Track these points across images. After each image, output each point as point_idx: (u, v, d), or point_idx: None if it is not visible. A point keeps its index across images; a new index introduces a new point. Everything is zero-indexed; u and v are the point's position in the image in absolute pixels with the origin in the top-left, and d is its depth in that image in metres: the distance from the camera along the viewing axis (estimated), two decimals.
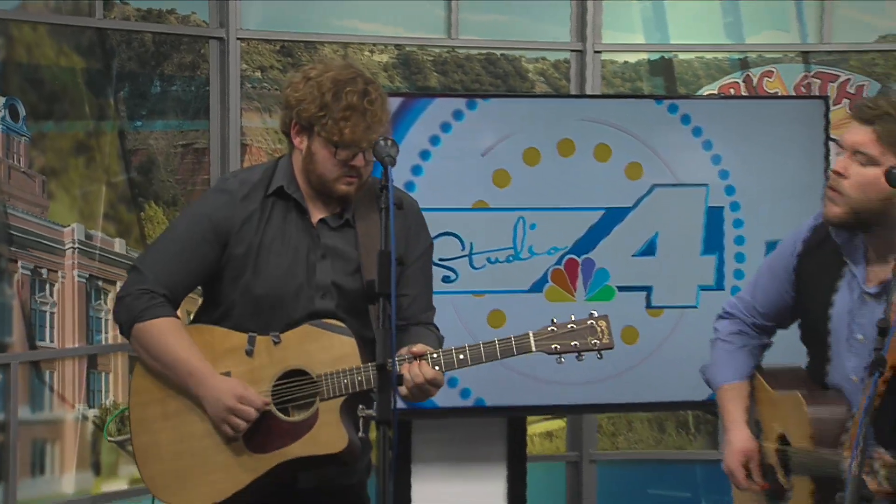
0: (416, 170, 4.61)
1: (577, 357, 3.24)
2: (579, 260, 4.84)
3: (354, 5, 5.40)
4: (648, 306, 4.85)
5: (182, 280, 3.29)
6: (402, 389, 3.17)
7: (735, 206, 4.90)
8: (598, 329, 3.21)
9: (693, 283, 4.81)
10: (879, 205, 3.12)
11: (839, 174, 3.13)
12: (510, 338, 3.22)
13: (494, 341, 3.21)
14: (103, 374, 4.91)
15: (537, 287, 4.82)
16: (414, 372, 3.16)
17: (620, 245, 4.82)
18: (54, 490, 4.75)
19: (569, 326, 3.22)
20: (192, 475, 3.23)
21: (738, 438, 3.40)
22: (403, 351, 3.23)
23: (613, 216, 4.84)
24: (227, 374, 3.24)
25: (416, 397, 3.19)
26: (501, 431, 4.92)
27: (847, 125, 3.21)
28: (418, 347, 3.20)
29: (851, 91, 5.58)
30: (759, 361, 3.49)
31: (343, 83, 3.22)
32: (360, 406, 3.11)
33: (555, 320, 3.24)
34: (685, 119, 4.88)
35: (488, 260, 4.78)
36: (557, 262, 4.81)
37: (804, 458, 3.20)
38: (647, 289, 4.86)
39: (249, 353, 3.25)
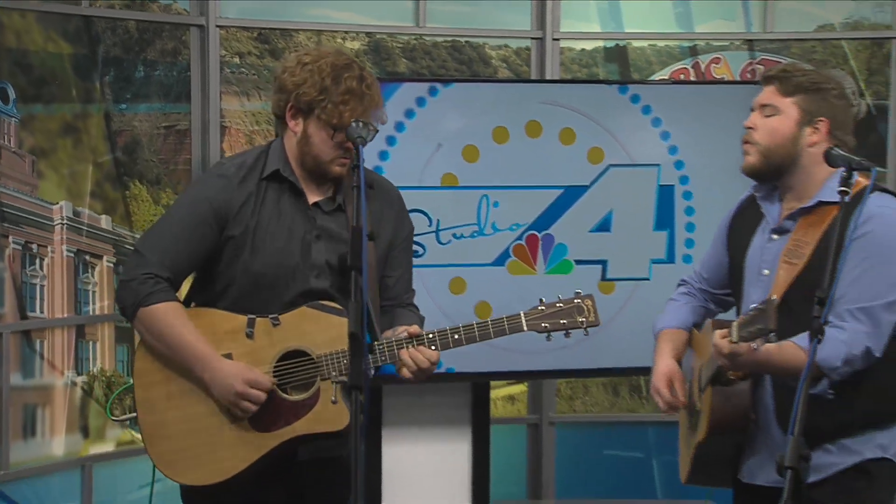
0: (383, 155, 4.61)
1: (564, 335, 3.24)
2: (539, 235, 4.86)
3: None
4: (604, 279, 4.88)
5: (184, 263, 3.25)
6: (405, 372, 3.19)
7: (685, 184, 4.93)
8: (585, 308, 3.22)
9: (645, 257, 4.85)
10: (786, 149, 3.28)
11: (750, 128, 3.31)
12: (503, 318, 3.22)
13: (488, 322, 3.21)
14: (91, 342, 4.90)
15: (500, 261, 4.84)
16: (417, 357, 3.17)
17: (578, 221, 4.85)
18: (45, 452, 4.74)
19: (557, 305, 3.23)
20: (199, 454, 3.21)
21: (662, 363, 3.50)
22: (400, 331, 3.24)
23: (571, 194, 4.87)
24: (229, 355, 3.20)
25: (417, 377, 3.19)
26: (466, 396, 4.95)
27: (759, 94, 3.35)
28: (414, 328, 3.21)
29: None
30: (699, 320, 3.58)
31: (341, 68, 3.19)
32: (333, 373, 3.14)
33: (543, 300, 3.24)
34: (641, 104, 4.90)
35: (454, 235, 4.80)
36: (519, 238, 4.83)
37: (705, 370, 3.33)
38: (603, 262, 4.89)
39: (250, 335, 3.21)
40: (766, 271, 3.33)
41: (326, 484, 3.31)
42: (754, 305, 3.00)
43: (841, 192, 3.01)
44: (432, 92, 4.75)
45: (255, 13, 5.27)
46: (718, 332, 3.12)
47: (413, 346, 3.18)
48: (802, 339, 3.08)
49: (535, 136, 4.83)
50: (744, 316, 3.05)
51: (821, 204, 3.26)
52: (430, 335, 3.20)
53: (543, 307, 3.23)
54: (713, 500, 4.80)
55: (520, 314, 3.23)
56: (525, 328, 3.22)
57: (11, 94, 4.62)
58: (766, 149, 3.29)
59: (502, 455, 5.30)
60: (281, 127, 3.30)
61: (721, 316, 3.63)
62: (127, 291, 3.22)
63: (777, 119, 3.28)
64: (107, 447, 4.92)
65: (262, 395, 3.15)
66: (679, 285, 3.66)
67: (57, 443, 4.78)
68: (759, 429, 3.31)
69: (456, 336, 3.21)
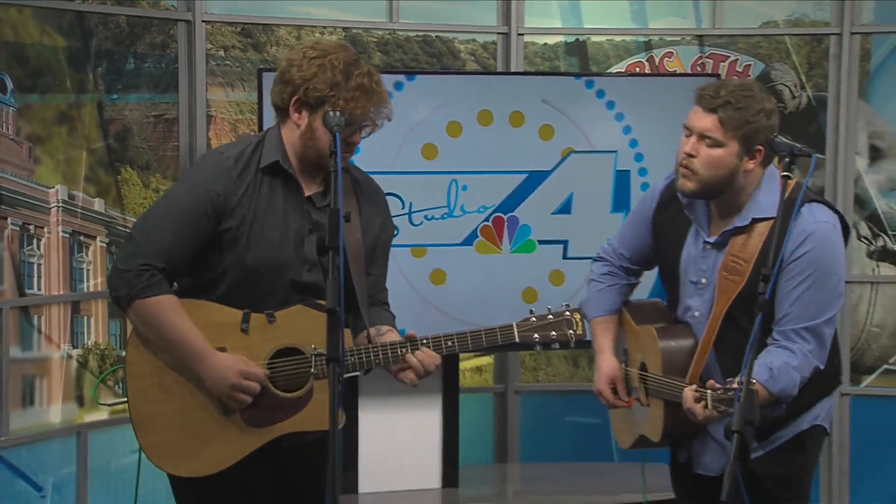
0: None
1: (553, 347, 3.17)
2: (505, 217, 4.89)
3: None
4: (565, 257, 4.91)
5: (180, 253, 3.10)
6: (410, 375, 3.12)
7: (641, 170, 4.96)
8: (574, 321, 3.13)
9: (604, 237, 4.79)
10: (725, 178, 3.22)
11: (690, 155, 3.23)
12: (495, 329, 3.13)
13: (481, 332, 3.12)
14: (85, 317, 4.88)
15: (468, 241, 4.87)
16: (426, 360, 3.11)
17: (541, 204, 4.89)
18: (42, 420, 4.73)
19: (548, 318, 3.13)
20: (191, 447, 3.11)
21: (605, 364, 3.51)
22: (384, 330, 3.20)
23: (535, 178, 4.90)
24: (223, 349, 3.09)
25: (420, 377, 3.13)
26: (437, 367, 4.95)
27: (694, 114, 3.26)
28: (411, 333, 3.14)
29: (739, 70, 5.63)
30: (626, 298, 3.60)
31: (351, 64, 3.06)
32: (312, 346, 3.08)
33: (533, 311, 3.16)
34: (605, 99, 4.96)
35: (426, 217, 4.81)
36: (486, 219, 4.86)
37: (657, 384, 3.33)
38: (564, 242, 4.94)
39: (245, 331, 3.09)
40: (704, 280, 3.32)
41: (307, 461, 3.23)
42: (732, 384, 2.98)
43: (784, 177, 3.03)
44: (410, 78, 4.77)
45: (239, 9, 5.25)
46: (691, 395, 3.08)
47: (408, 350, 3.10)
48: (761, 372, 3.11)
49: (500, 125, 4.85)
50: (721, 391, 3.02)
51: (754, 221, 3.24)
52: (425, 340, 3.11)
53: (535, 318, 3.14)
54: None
55: (512, 325, 3.14)
56: (517, 339, 3.14)
57: (9, 84, 4.59)
58: (706, 178, 3.22)
59: (470, 422, 5.32)
60: (280, 118, 3.17)
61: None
62: (122, 281, 3.08)
63: (718, 152, 3.20)
64: (101, 415, 4.91)
65: (257, 387, 3.06)
66: (595, 260, 3.62)
67: (54, 411, 4.77)
68: (707, 433, 3.33)
69: (450, 343, 3.13)
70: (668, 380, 3.27)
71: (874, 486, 5.67)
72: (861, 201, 5.64)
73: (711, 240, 3.29)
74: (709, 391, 3.04)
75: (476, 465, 5.34)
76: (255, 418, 3.10)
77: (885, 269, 5.65)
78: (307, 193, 3.17)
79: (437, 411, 4.99)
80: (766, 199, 3.24)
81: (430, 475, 4.97)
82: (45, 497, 4.73)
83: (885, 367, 5.67)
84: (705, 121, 3.20)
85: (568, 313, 3.14)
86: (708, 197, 3.28)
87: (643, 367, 3.43)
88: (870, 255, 5.66)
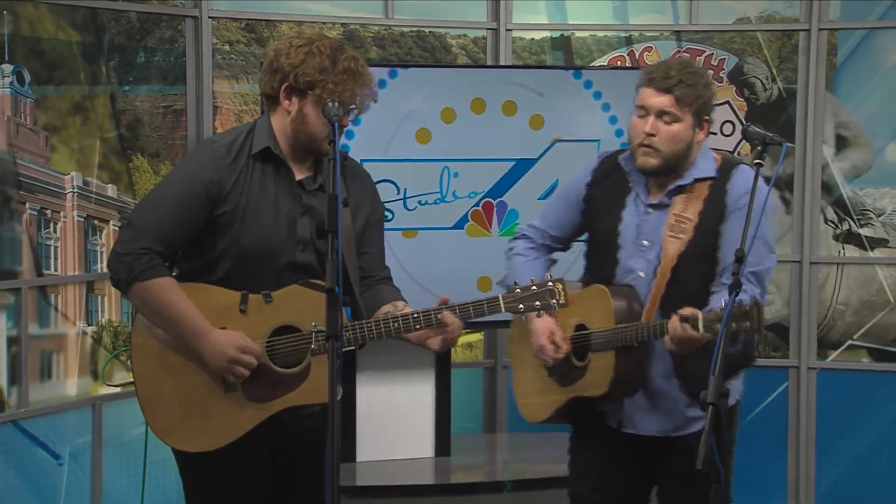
0: (349, 134, 4.57)
1: (537, 315, 3.16)
2: (494, 202, 4.89)
3: None
4: None
5: (177, 238, 3.07)
6: (436, 342, 3.10)
7: None
8: (557, 290, 3.10)
9: None
10: (684, 151, 3.30)
11: (651, 134, 3.28)
12: (482, 301, 3.08)
13: (469, 305, 3.07)
14: (99, 296, 4.87)
15: (459, 225, 4.87)
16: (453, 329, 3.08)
17: (528, 190, 4.89)
18: (59, 392, 4.72)
19: (532, 289, 3.10)
20: (195, 423, 3.07)
21: (539, 322, 3.44)
22: (401, 306, 3.15)
23: (522, 166, 4.90)
24: (223, 329, 3.05)
25: (449, 343, 3.12)
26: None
27: (649, 95, 3.30)
28: (444, 298, 3.12)
29: (714, 64, 5.62)
30: (548, 271, 3.56)
31: (336, 50, 3.06)
32: (312, 323, 3.06)
33: (518, 283, 3.14)
34: (592, 89, 4.99)
35: (419, 202, 4.82)
36: (476, 204, 4.86)
37: (608, 335, 3.31)
38: None
39: (243, 311, 3.05)
40: (647, 243, 3.34)
41: (307, 433, 3.19)
42: (725, 303, 2.92)
43: (756, 165, 3.03)
44: (393, 75, 4.75)
45: (244, 6, 5.23)
46: (677, 320, 3.08)
47: (424, 321, 3.06)
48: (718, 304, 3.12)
49: (492, 115, 4.85)
50: (712, 313, 3.04)
51: (695, 181, 3.31)
52: (416, 315, 3.06)
53: (519, 290, 3.10)
54: None
55: (498, 297, 3.10)
56: (503, 310, 3.10)
57: (27, 76, 4.57)
58: (668, 154, 3.29)
59: (461, 395, 5.33)
60: (270, 106, 3.15)
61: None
62: (122, 264, 3.04)
63: (677, 127, 3.27)
64: (114, 388, 4.90)
65: (254, 361, 3.03)
66: (517, 238, 3.63)
67: (70, 384, 4.76)
68: (645, 387, 3.35)
69: (439, 316, 3.06)
70: (622, 327, 3.28)
71: (838, 453, 5.69)
72: (828, 187, 5.64)
73: (655, 202, 3.34)
74: (699, 315, 3.04)
75: (467, 434, 5.35)
76: (256, 394, 3.07)
77: (850, 251, 5.65)
78: (298, 178, 3.14)
79: (431, 385, 4.99)
80: (703, 163, 3.34)
81: (423, 444, 4.98)
82: (63, 464, 4.74)
83: (850, 342, 5.68)
84: (662, 100, 3.27)
85: (550, 284, 3.11)
86: (668, 171, 3.32)
87: (580, 328, 3.42)
88: (836, 237, 5.66)
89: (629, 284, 3.36)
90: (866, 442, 5.66)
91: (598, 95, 4.95)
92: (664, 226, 3.30)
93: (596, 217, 3.45)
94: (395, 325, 3.07)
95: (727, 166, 3.32)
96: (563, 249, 3.64)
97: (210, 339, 3.04)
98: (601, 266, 3.42)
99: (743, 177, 3.29)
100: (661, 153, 3.28)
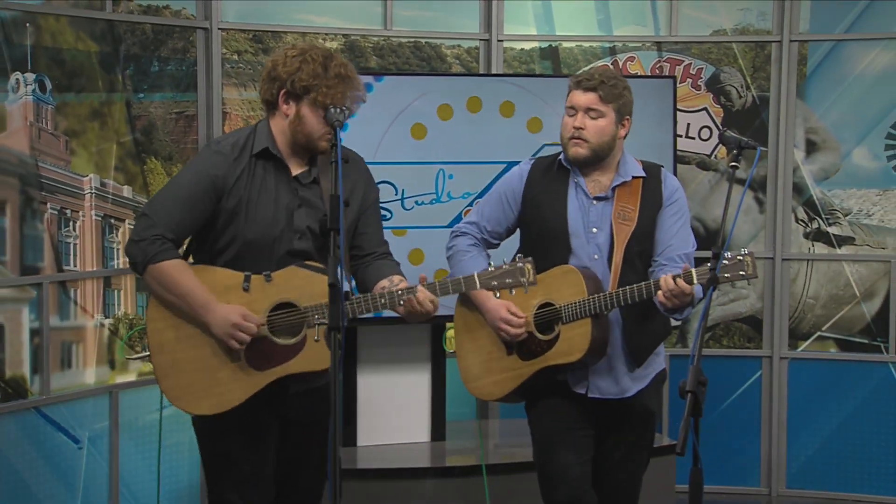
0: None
1: (509, 291, 3.23)
2: None
3: (310, 3, 5.35)
4: None
5: (186, 226, 3.20)
6: (419, 307, 3.15)
7: None
8: (526, 270, 3.19)
9: None
10: (609, 142, 3.52)
11: (580, 128, 3.50)
12: (459, 279, 3.20)
13: (448, 281, 3.20)
14: (116, 290, 4.87)
15: (454, 224, 4.83)
16: (425, 301, 3.15)
17: None
18: (79, 381, 4.72)
19: (504, 268, 3.19)
20: (203, 388, 3.19)
21: (491, 301, 3.58)
22: (396, 280, 3.23)
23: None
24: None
25: (419, 313, 3.18)
26: (426, 336, 4.96)
27: (576, 95, 3.53)
28: (422, 276, 3.21)
29: (693, 73, 5.63)
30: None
31: (327, 58, 3.20)
32: (316, 316, 3.13)
33: (491, 262, 3.26)
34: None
35: (416, 202, 4.81)
36: (469, 204, 4.86)
37: (581, 306, 3.45)
38: None
39: (246, 289, 3.17)
40: (595, 230, 3.54)
41: (312, 409, 3.30)
42: (730, 256, 3.20)
43: (732, 167, 3.09)
44: (378, 79, 4.74)
45: (251, 18, 5.22)
46: (670, 278, 3.29)
47: (407, 294, 3.15)
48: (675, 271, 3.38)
49: (487, 119, 4.84)
50: (702, 267, 3.24)
51: (633, 178, 3.56)
52: (400, 291, 3.16)
53: (493, 269, 3.20)
54: None
55: (474, 275, 3.20)
56: (478, 286, 3.20)
57: (48, 84, 4.56)
58: (595, 145, 3.51)
59: (456, 383, 5.30)
60: (269, 111, 3.27)
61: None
62: (137, 250, 3.17)
63: (603, 121, 3.50)
64: (130, 377, 4.91)
65: (253, 328, 3.13)
66: (456, 236, 3.74)
67: (89, 373, 4.76)
68: (607, 357, 3.54)
69: (416, 291, 3.16)
70: (595, 297, 3.44)
71: (808, 437, 5.71)
72: (798, 189, 5.65)
73: (601, 195, 3.56)
74: (693, 270, 3.28)
75: (461, 420, 5.35)
76: (258, 363, 3.17)
77: (819, 249, 5.66)
78: (294, 173, 3.25)
79: (426, 373, 4.99)
80: (632, 163, 3.60)
81: (420, 430, 4.98)
82: (82, 448, 4.73)
83: (819, 333, 5.69)
84: (587, 97, 3.50)
85: (520, 263, 3.20)
86: (596, 161, 3.54)
87: (545, 306, 3.54)
88: (806, 235, 5.67)
89: (585, 266, 3.54)
90: (834, 426, 5.67)
91: None
92: (611, 215, 3.52)
93: (539, 213, 3.61)
94: (382, 300, 3.17)
95: (652, 169, 3.62)
96: (497, 245, 3.78)
97: (215, 308, 3.15)
98: (551, 255, 3.55)
99: (672, 180, 3.63)
100: (590, 144, 3.50)
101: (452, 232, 3.76)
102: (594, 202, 3.55)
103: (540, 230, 3.61)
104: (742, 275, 3.17)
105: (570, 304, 3.47)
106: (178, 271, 3.16)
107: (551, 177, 3.61)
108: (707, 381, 2.81)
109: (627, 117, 3.55)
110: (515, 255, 3.33)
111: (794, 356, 5.70)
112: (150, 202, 3.28)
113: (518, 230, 3.73)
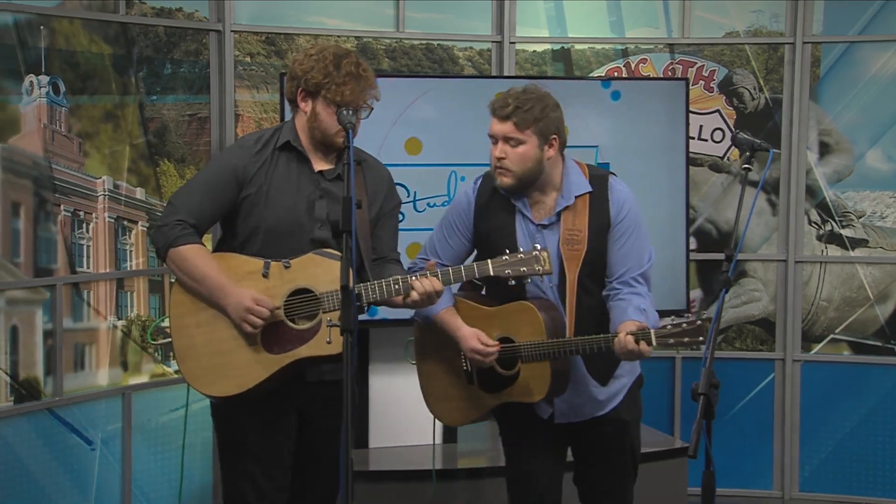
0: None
1: (523, 281, 3.27)
2: None
3: (322, 4, 5.37)
4: None
5: (207, 213, 3.30)
6: (414, 295, 3.20)
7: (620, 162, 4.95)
8: (541, 258, 3.21)
9: None
10: (534, 167, 3.40)
11: (501, 158, 3.39)
12: (473, 265, 3.25)
13: (461, 268, 3.25)
14: (129, 292, 4.89)
15: None
16: (426, 284, 3.19)
17: None
18: (91, 382, 4.75)
19: (519, 256, 3.23)
20: (221, 371, 3.26)
21: (465, 330, 3.51)
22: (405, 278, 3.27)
23: None
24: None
25: (423, 299, 3.21)
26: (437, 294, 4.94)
27: (494, 124, 3.43)
28: (431, 263, 3.28)
29: (705, 75, 5.64)
30: (451, 299, 3.61)
31: (341, 56, 3.28)
32: (328, 318, 3.16)
33: (507, 250, 3.26)
34: (614, 95, 4.96)
35: (428, 204, 4.81)
36: None
37: (540, 349, 3.40)
38: None
39: (265, 275, 3.25)
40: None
41: (327, 402, 3.33)
42: (678, 322, 3.16)
43: (745, 170, 3.08)
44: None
45: (264, 20, 5.24)
46: (631, 339, 3.19)
47: (417, 277, 3.22)
48: (637, 315, 3.28)
49: (488, 121, 4.84)
50: (666, 329, 3.19)
51: (576, 198, 3.43)
52: (414, 277, 3.22)
53: (507, 257, 3.24)
54: None
55: (487, 262, 3.24)
56: (492, 272, 3.23)
57: (62, 86, 4.59)
58: (520, 172, 3.40)
59: None
60: (294, 109, 3.37)
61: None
62: (160, 234, 3.28)
63: (522, 148, 3.39)
64: (143, 378, 4.93)
65: (266, 312, 3.19)
66: (416, 272, 3.62)
67: (101, 375, 4.78)
68: (571, 383, 3.47)
69: (443, 275, 3.24)
70: (553, 341, 3.38)
71: (821, 439, 5.70)
72: (811, 191, 5.65)
73: (545, 221, 3.45)
74: (651, 331, 3.19)
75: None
76: (275, 346, 3.24)
77: (833, 251, 5.66)
78: (318, 168, 3.34)
79: None
80: (576, 178, 3.46)
81: (431, 432, 4.99)
82: (95, 449, 4.75)
83: (832, 336, 5.69)
84: (505, 126, 3.40)
85: (536, 252, 3.21)
86: (524, 187, 3.44)
87: (505, 341, 3.49)
88: (819, 238, 5.67)
89: (543, 296, 3.47)
90: (846, 429, 5.67)
91: (616, 95, 4.96)
92: (558, 241, 3.42)
93: (488, 242, 3.53)
94: (396, 286, 3.21)
95: (598, 179, 3.46)
96: None
97: (231, 292, 3.23)
98: (507, 288, 3.41)
99: (619, 192, 3.46)
100: (514, 172, 3.40)
101: (408, 268, 3.61)
102: (540, 229, 3.47)
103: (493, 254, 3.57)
104: (700, 340, 3.14)
105: (530, 345, 3.42)
106: (197, 255, 3.25)
107: (497, 204, 3.52)
108: (719, 384, 2.81)
109: (554, 136, 3.41)
110: (535, 243, 3.34)
111: (808, 359, 5.70)
112: (175, 192, 3.39)
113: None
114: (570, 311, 3.41)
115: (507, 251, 3.25)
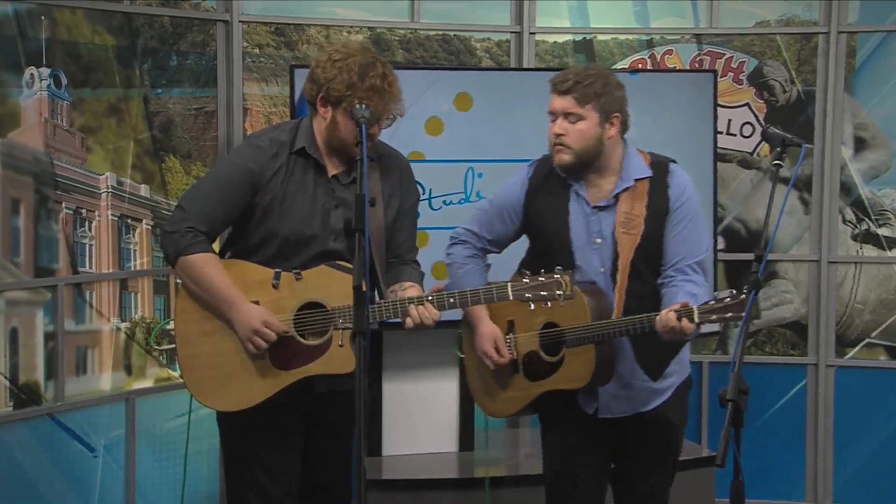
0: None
1: (544, 304, 3.22)
2: None
3: None
4: None
5: (219, 220, 3.28)
6: (409, 322, 3.19)
7: None
8: (563, 283, 3.18)
9: None
10: (594, 145, 3.42)
11: (561, 134, 3.42)
12: (492, 287, 3.21)
13: (479, 290, 3.21)
14: (132, 293, 4.89)
15: None
16: (423, 314, 3.17)
17: None
18: (94, 387, 4.74)
19: (539, 280, 3.19)
20: (226, 384, 3.25)
21: (485, 328, 3.59)
22: (406, 286, 3.27)
23: None
24: (256, 302, 3.23)
25: (418, 328, 3.20)
26: (452, 340, 4.95)
27: (553, 100, 3.44)
28: (416, 288, 3.27)
29: (734, 66, 5.60)
30: (486, 278, 3.65)
31: (366, 67, 3.22)
32: (340, 320, 3.15)
33: (528, 272, 3.22)
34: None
35: (444, 202, 4.81)
36: None
37: (584, 332, 3.41)
38: None
39: (275, 286, 3.24)
40: (599, 241, 3.46)
41: (337, 412, 3.34)
42: (720, 297, 3.17)
43: (775, 166, 3.07)
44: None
45: (273, 10, 5.24)
46: (672, 314, 3.20)
47: (417, 304, 3.19)
48: (690, 300, 3.27)
49: (514, 114, 4.83)
50: (708, 304, 3.19)
51: (636, 181, 3.45)
52: (430, 297, 3.20)
53: (527, 280, 3.19)
54: None
55: (507, 285, 3.19)
56: (510, 297, 3.19)
57: (64, 79, 4.59)
58: (579, 150, 3.41)
59: None
60: (312, 109, 3.33)
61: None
62: (170, 241, 3.25)
63: (583, 124, 3.40)
64: (147, 383, 4.92)
65: (273, 335, 3.18)
66: (455, 244, 3.69)
67: (105, 379, 4.78)
68: (618, 374, 3.49)
69: (451, 300, 3.21)
70: (599, 323, 3.38)
71: (855, 448, 5.66)
72: (846, 188, 5.60)
73: (602, 203, 3.46)
74: (694, 308, 3.20)
75: (490, 429, 5.34)
76: (283, 361, 3.23)
77: (868, 251, 5.61)
78: (332, 173, 3.31)
79: (455, 381, 5.00)
80: (637, 162, 3.48)
81: (447, 439, 4.98)
82: (97, 456, 4.75)
83: (868, 340, 5.64)
84: (563, 101, 3.41)
85: (557, 276, 3.19)
86: (583, 166, 3.45)
87: (548, 327, 3.50)
88: (854, 237, 5.62)
89: (592, 280, 3.47)
90: (882, 437, 5.62)
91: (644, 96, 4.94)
92: (614, 223, 3.43)
93: (541, 224, 3.55)
94: (403, 306, 3.18)
95: (659, 166, 3.49)
96: (499, 251, 3.72)
97: (241, 308, 3.21)
98: (553, 264, 3.44)
99: (680, 179, 3.48)
100: (573, 150, 3.41)
101: (451, 237, 3.72)
102: (595, 211, 3.47)
103: (543, 244, 3.58)
104: (732, 316, 3.16)
105: (574, 328, 3.43)
106: (207, 265, 3.23)
107: (551, 186, 3.54)
108: (749, 390, 2.79)
109: (615, 115, 3.42)
110: (522, 261, 3.33)
111: (842, 364, 5.65)
112: (185, 193, 3.36)
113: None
114: (620, 296, 3.42)
115: (527, 272, 3.22)
